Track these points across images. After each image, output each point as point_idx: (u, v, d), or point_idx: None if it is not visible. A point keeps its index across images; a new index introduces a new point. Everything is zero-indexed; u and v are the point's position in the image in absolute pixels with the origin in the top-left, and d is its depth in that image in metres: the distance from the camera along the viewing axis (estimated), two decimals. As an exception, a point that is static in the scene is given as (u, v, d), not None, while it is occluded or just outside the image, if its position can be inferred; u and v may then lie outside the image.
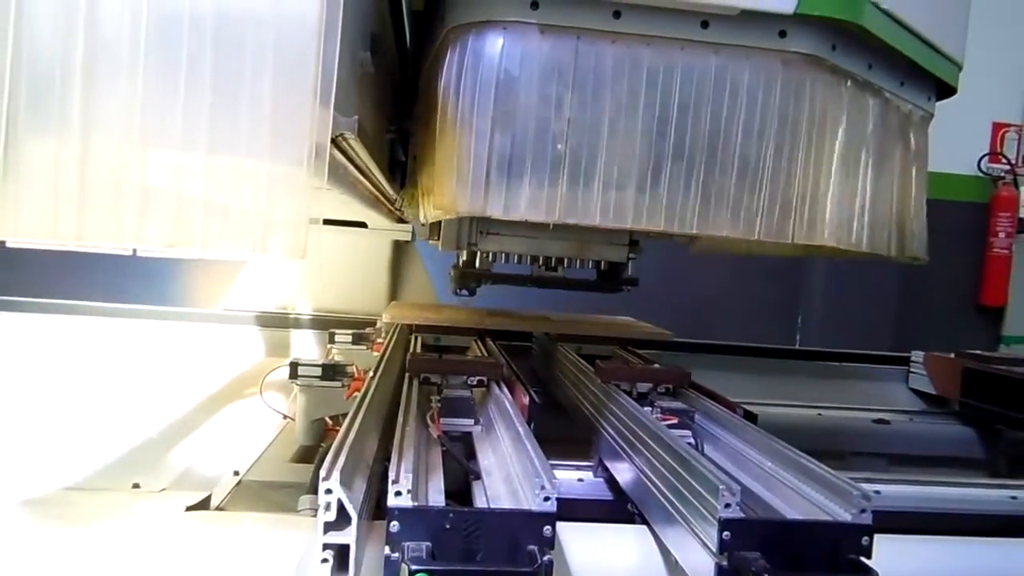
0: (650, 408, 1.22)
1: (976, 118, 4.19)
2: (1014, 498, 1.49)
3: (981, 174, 4.26)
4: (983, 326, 4.31)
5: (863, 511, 0.78)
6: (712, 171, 0.95)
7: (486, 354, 1.61)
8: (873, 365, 2.59)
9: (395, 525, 0.72)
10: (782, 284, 4.12)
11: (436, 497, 0.84)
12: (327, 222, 2.04)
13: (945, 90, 1.27)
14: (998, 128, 4.28)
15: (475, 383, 1.28)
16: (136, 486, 1.06)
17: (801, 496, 0.88)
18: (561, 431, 1.74)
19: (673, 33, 0.94)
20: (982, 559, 1.17)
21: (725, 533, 0.76)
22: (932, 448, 2.23)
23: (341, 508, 0.72)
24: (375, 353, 1.86)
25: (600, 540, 1.00)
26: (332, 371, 1.36)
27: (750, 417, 1.19)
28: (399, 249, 2.55)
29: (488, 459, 1.00)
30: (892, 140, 1.15)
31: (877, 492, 1.45)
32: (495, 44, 0.92)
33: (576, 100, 0.92)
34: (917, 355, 2.51)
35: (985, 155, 4.25)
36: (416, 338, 1.83)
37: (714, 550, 0.76)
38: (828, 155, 1.03)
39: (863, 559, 0.76)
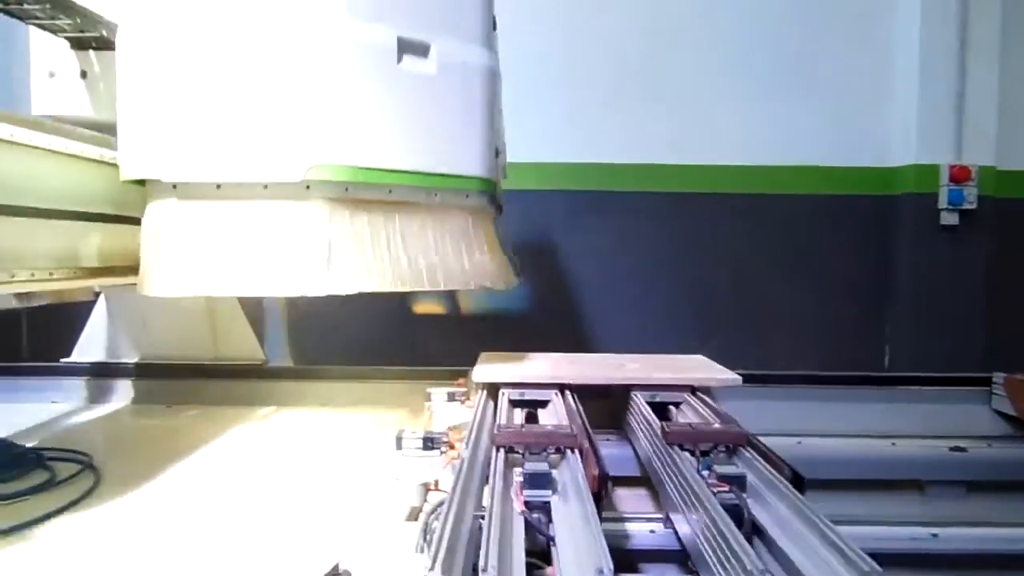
0: (708, 471, 1.38)
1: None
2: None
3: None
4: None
5: (871, 584, 0.93)
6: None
7: (564, 413, 1.81)
8: (954, 388, 2.62)
9: (486, 605, 0.93)
10: (863, 301, 4.12)
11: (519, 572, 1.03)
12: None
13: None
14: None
15: (553, 451, 1.48)
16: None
17: (829, 566, 1.03)
18: (633, 469, 1.93)
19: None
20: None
21: (752, 608, 0.93)
22: (1013, 473, 2.27)
23: (444, 593, 0.93)
24: (468, 408, 2.10)
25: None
26: (431, 442, 1.59)
27: (798, 479, 1.33)
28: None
29: (562, 531, 1.19)
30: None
31: (935, 535, 1.57)
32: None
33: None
34: (998, 376, 2.53)
35: (1080, 149, 4.11)
36: (503, 393, 2.05)
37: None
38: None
39: (872, 627, 0.91)
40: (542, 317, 4.14)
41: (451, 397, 2.14)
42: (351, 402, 2.50)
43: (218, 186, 1.79)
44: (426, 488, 1.62)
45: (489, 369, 2.18)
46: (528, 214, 4.12)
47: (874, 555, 1.52)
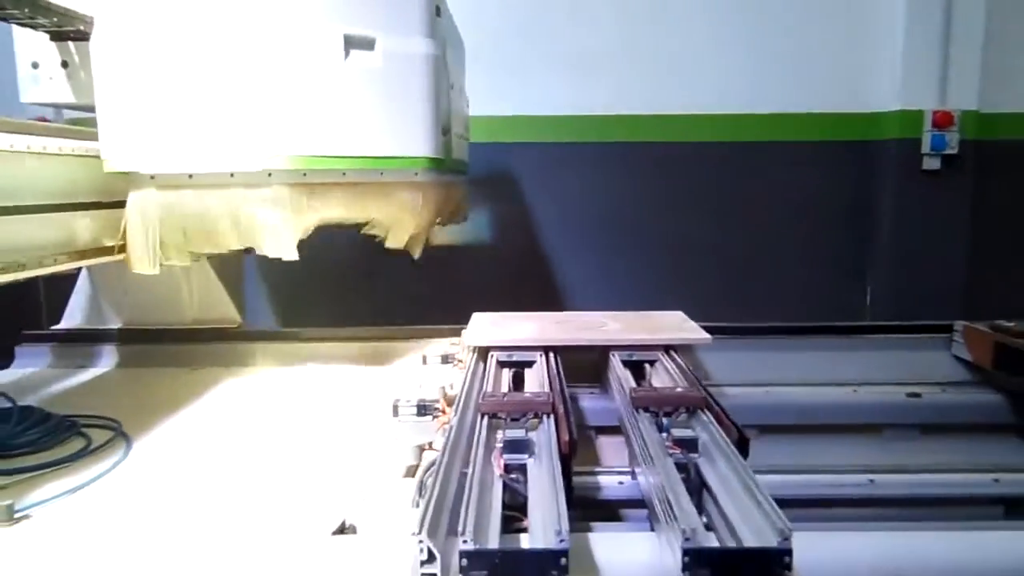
0: (666, 434, 1.56)
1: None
2: (996, 481, 1.77)
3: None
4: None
5: (785, 539, 1.12)
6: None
7: (546, 375, 2.00)
8: (918, 336, 2.78)
9: (464, 561, 1.12)
10: (846, 246, 4.24)
11: (494, 535, 1.23)
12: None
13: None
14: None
15: (532, 416, 1.67)
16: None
17: (754, 519, 1.22)
18: (614, 420, 2.12)
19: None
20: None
21: (685, 557, 1.12)
22: (964, 417, 2.47)
23: (430, 551, 1.13)
24: (460, 369, 2.29)
25: (621, 543, 1.37)
26: (424, 409, 1.78)
27: (743, 440, 1.51)
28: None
29: (535, 492, 1.38)
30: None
31: (871, 480, 1.77)
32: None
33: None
34: (958, 325, 2.69)
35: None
36: (492, 356, 2.24)
37: (679, 568, 1.12)
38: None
39: (782, 572, 1.10)
40: (522, 269, 4.30)
41: (445, 360, 2.34)
42: (343, 360, 2.69)
43: (190, 176, 2.10)
44: (421, 449, 1.81)
45: (479, 333, 2.36)
46: (506, 167, 4.24)
47: (816, 499, 1.73)
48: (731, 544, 1.24)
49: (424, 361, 2.35)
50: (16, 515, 1.49)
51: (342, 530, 1.51)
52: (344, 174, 2.19)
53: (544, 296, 4.30)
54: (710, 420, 1.62)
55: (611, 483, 1.70)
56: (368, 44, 2.17)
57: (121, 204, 2.16)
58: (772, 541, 1.13)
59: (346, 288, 3.95)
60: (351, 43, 2.14)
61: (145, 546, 1.40)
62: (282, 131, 2.11)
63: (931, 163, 3.97)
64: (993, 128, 4.02)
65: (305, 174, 2.15)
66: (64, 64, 2.49)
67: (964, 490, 1.74)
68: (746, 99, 4.16)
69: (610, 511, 1.71)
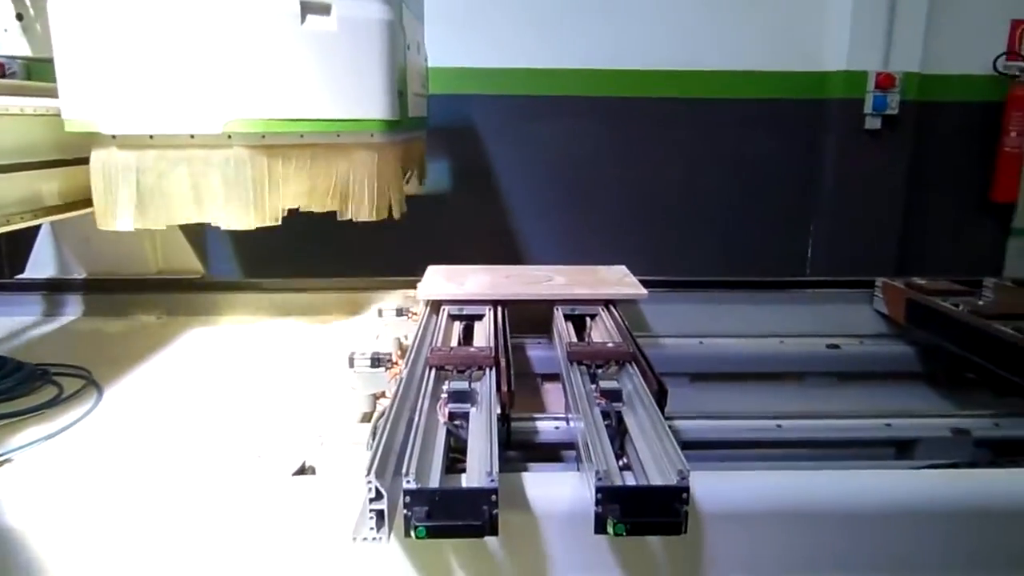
0: (594, 385, 1.74)
1: (993, 17, 4.27)
2: (888, 425, 1.99)
3: (997, 74, 4.38)
4: (993, 222, 4.56)
5: (683, 478, 1.30)
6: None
7: (492, 330, 2.15)
8: (842, 290, 3.00)
9: (407, 498, 1.29)
10: (790, 202, 4.44)
11: (435, 475, 1.40)
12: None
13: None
14: (1016, 26, 4.35)
15: (476, 368, 1.83)
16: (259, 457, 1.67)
17: (661, 461, 1.40)
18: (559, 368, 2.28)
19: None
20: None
21: (598, 494, 1.30)
22: (878, 366, 2.70)
23: (378, 490, 1.29)
24: (414, 321, 2.44)
25: (549, 481, 1.55)
26: (378, 361, 1.93)
27: (662, 391, 1.69)
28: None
29: (473, 437, 1.55)
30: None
31: (779, 425, 1.98)
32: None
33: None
34: (879, 281, 2.91)
35: (1002, 54, 4.35)
36: (444, 309, 2.39)
37: (593, 503, 1.31)
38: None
39: (680, 506, 1.29)
40: (482, 220, 4.42)
41: (400, 312, 2.49)
42: (303, 311, 2.82)
43: (151, 136, 2.16)
44: (375, 397, 1.97)
45: (431, 287, 2.50)
46: (467, 118, 4.32)
47: (728, 442, 1.94)
48: (640, 482, 1.43)
49: (380, 314, 2.50)
50: (-1, 459, 1.63)
51: (302, 471, 1.68)
52: (302, 136, 2.27)
53: (504, 246, 4.44)
54: (635, 373, 1.80)
55: (549, 427, 1.87)
56: (324, 9, 2.23)
57: (86, 160, 2.22)
58: (672, 480, 1.31)
59: (309, 240, 4.05)
60: (308, 8, 2.20)
61: (121, 486, 1.55)
62: (241, 94, 2.18)
63: (872, 123, 4.14)
64: (932, 90, 4.19)
65: (264, 136, 2.23)
66: (19, 17, 2.50)
67: (860, 434, 1.95)
68: (701, 56, 4.27)
69: (550, 453, 1.89)
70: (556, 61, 4.28)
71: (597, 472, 1.31)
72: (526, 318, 2.55)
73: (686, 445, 1.90)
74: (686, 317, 2.83)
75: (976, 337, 2.24)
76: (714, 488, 1.50)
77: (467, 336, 2.32)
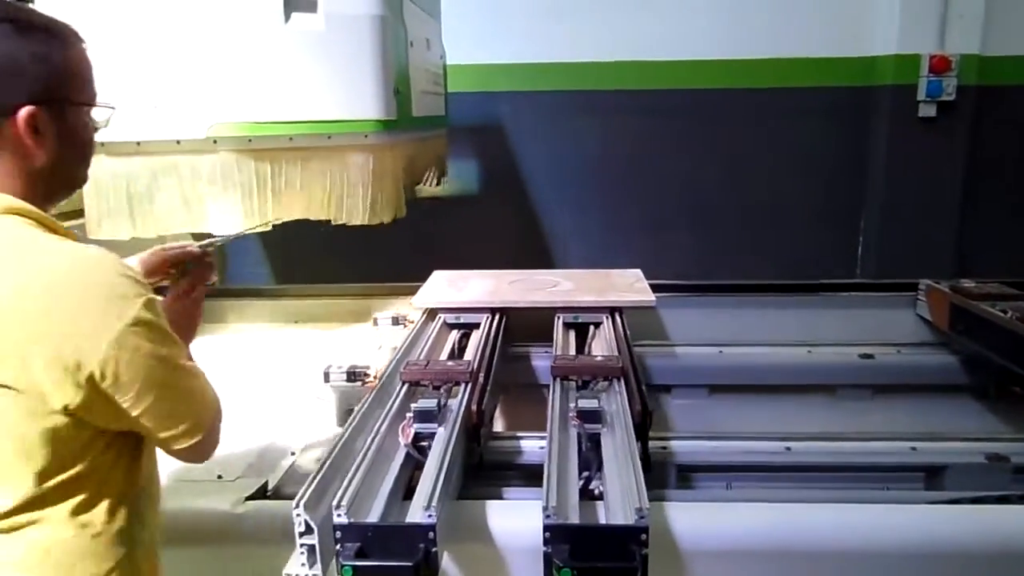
0: (573, 405, 1.60)
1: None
2: (913, 449, 1.79)
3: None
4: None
5: (641, 517, 1.16)
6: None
7: (481, 341, 2.03)
8: (882, 294, 2.75)
9: (338, 533, 1.19)
10: (840, 195, 4.16)
11: (379, 507, 1.29)
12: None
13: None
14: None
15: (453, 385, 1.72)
16: (219, 477, 1.60)
17: (627, 495, 1.26)
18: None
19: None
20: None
21: (546, 532, 1.17)
22: (917, 378, 2.47)
23: (307, 523, 1.19)
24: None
25: (510, 512, 1.42)
26: (354, 375, 1.84)
27: (646, 412, 1.54)
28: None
29: (431, 462, 1.43)
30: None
31: (788, 448, 1.80)
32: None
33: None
34: (923, 284, 2.66)
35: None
36: (440, 317, 2.29)
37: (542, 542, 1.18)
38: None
39: (638, 548, 1.15)
40: (508, 220, 4.30)
41: (396, 321, 2.39)
42: (306, 320, 2.76)
43: (138, 143, 2.12)
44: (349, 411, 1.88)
45: (429, 294, 2.40)
46: (493, 115, 4.20)
47: (730, 466, 1.77)
48: (609, 519, 1.29)
49: (375, 323, 2.41)
50: None
51: (263, 492, 1.59)
52: (291, 139, 2.20)
53: (533, 248, 4.31)
54: (620, 391, 1.66)
55: (533, 447, 1.74)
56: (310, 6, 2.15)
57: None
58: (630, 519, 1.17)
59: (327, 243, 4.00)
60: (292, 5, 2.12)
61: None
62: (225, 97, 2.12)
63: (927, 110, 3.83)
64: (993, 73, 3.85)
65: (251, 140, 2.16)
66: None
67: (881, 459, 1.75)
68: (740, 44, 4.04)
69: (532, 474, 1.76)
70: (588, 54, 4.11)
71: (545, 508, 1.18)
72: (533, 325, 2.41)
73: (682, 470, 1.78)
74: (706, 324, 2.65)
75: (1022, 347, 2.00)
76: (694, 524, 1.36)
77: (462, 346, 2.22)
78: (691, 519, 1.36)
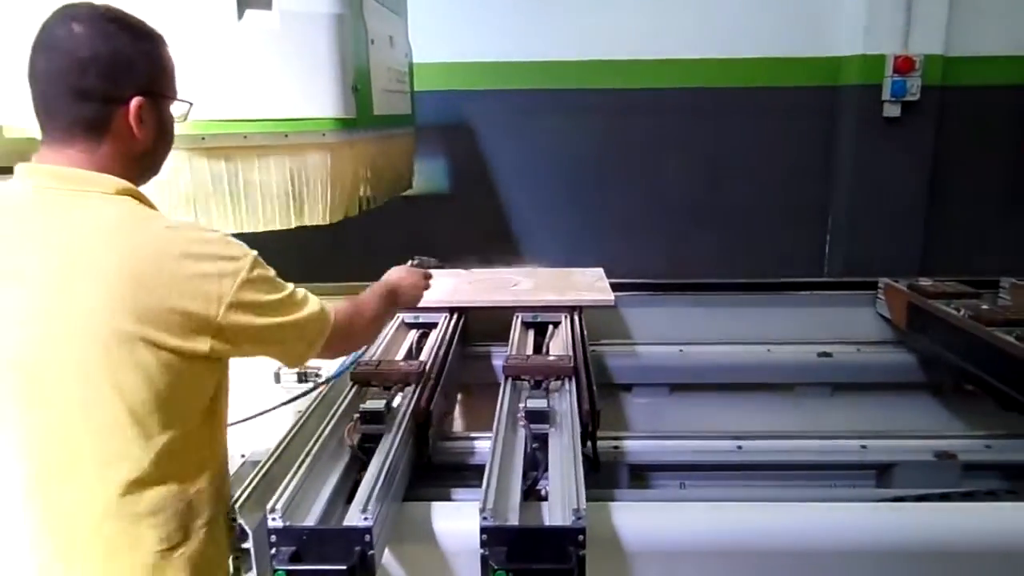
0: (522, 405, 1.59)
1: (1026, -8, 3.94)
2: (863, 447, 1.80)
3: None
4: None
5: (578, 518, 1.16)
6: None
7: (436, 341, 2.02)
8: (842, 292, 2.77)
9: (272, 537, 1.17)
10: (806, 195, 4.18)
11: (318, 510, 1.27)
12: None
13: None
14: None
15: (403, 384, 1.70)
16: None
17: (567, 496, 1.25)
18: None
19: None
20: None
21: (483, 535, 1.16)
22: (875, 376, 2.49)
23: (242, 527, 1.18)
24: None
25: (453, 513, 1.41)
26: (304, 376, 1.82)
27: (594, 411, 1.54)
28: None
29: (374, 464, 1.42)
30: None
31: (740, 447, 1.81)
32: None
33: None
34: (882, 282, 2.68)
35: None
36: (399, 316, 2.27)
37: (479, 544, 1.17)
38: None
39: (575, 550, 1.14)
40: (480, 219, 4.28)
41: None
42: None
43: None
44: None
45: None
46: (472, 114, 4.18)
47: (681, 465, 1.77)
48: (549, 520, 1.28)
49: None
50: None
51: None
52: (245, 137, 2.17)
53: (504, 246, 4.29)
54: (570, 390, 1.65)
55: (485, 448, 1.72)
56: (264, 3, 2.13)
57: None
58: (567, 519, 1.17)
59: (278, 242, 3.96)
60: (245, 3, 2.10)
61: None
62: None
63: (891, 110, 3.86)
64: (957, 73, 3.89)
65: (204, 138, 2.13)
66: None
67: (830, 457, 1.76)
68: (707, 44, 4.04)
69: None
70: (554, 53, 4.10)
71: (482, 509, 1.18)
72: (495, 324, 2.40)
73: (635, 469, 1.78)
74: (668, 323, 2.65)
75: (974, 346, 2.02)
76: (637, 524, 1.35)
77: (420, 346, 2.20)
78: (634, 519, 1.35)
